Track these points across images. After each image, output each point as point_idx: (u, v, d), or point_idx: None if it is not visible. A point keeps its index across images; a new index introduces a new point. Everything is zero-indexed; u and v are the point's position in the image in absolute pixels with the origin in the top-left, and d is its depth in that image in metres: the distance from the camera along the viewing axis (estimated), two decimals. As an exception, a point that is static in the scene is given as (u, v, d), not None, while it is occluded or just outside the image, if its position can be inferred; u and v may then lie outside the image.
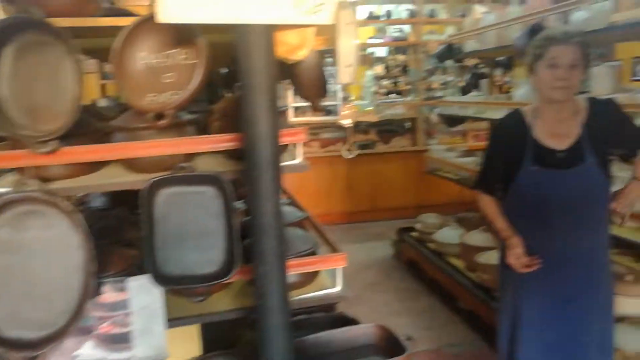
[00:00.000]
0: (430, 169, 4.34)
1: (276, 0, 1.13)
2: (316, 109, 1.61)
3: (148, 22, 1.29)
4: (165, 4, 1.09)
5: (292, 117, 5.80)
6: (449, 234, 3.70)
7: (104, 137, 1.49)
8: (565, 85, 1.73)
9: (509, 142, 1.88)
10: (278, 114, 1.23)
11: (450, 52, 4.06)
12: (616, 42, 5.92)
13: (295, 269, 1.57)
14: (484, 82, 4.14)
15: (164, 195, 1.43)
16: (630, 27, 2.59)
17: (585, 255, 1.84)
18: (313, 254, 1.70)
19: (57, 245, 1.29)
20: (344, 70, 1.16)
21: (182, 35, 1.37)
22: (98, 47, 1.51)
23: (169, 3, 1.09)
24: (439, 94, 6.44)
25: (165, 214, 1.43)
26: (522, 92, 3.18)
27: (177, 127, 1.50)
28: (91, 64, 4.41)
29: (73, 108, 1.28)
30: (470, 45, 3.88)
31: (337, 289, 1.65)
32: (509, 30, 3.23)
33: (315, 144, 6.07)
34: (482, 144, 5.92)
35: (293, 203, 2.48)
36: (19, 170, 1.37)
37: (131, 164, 1.50)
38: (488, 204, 1.97)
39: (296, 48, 1.22)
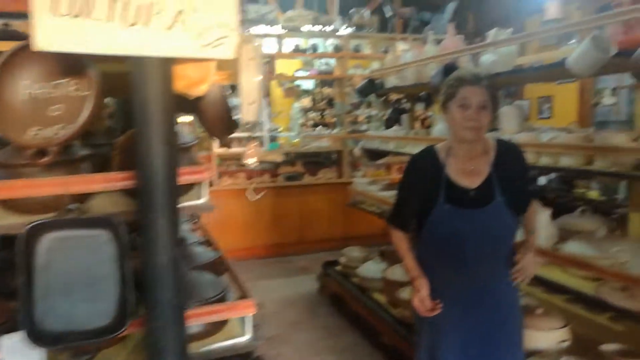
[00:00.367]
0: (354, 201, 4.35)
1: (173, 32, 1.05)
2: (224, 145, 1.52)
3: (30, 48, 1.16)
4: (42, 30, 0.97)
5: (216, 149, 5.67)
6: (372, 269, 3.69)
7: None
8: (475, 126, 1.76)
9: (423, 180, 1.87)
10: (176, 151, 1.13)
11: (372, 87, 4.13)
12: (524, 84, 6.39)
13: (199, 318, 1.45)
14: (405, 117, 4.24)
15: (48, 240, 1.27)
16: (534, 70, 2.76)
17: (498, 293, 1.86)
18: (222, 300, 1.59)
19: None
20: (247, 107, 1.09)
21: (72, 64, 1.25)
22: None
23: (48, 30, 0.98)
24: (363, 127, 6.58)
25: (49, 261, 1.27)
26: (439, 127, 3.28)
27: (68, 164, 1.36)
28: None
29: None
30: (391, 81, 3.98)
31: (246, 337, 1.53)
32: (427, 68, 3.34)
33: (242, 176, 5.94)
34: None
35: (208, 241, 2.34)
36: None
37: (12, 205, 1.34)
38: (400, 241, 1.96)
39: (197, 82, 1.14)
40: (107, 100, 2.02)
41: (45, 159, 1.22)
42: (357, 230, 5.90)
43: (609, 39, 1.98)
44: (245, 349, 1.51)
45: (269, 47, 6.90)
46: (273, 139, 6.21)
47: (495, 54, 2.60)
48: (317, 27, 6.03)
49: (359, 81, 5.44)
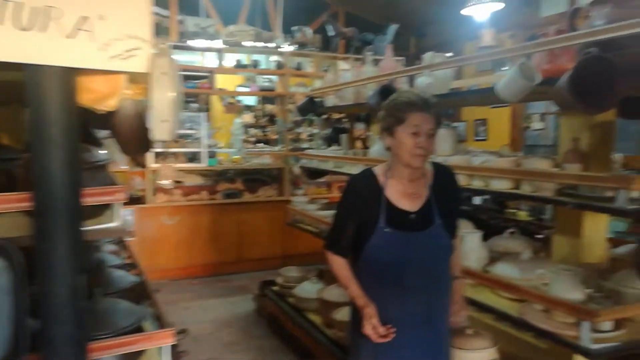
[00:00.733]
0: (292, 220, 4.28)
1: (76, 41, 0.96)
2: (138, 164, 1.41)
3: None
4: None
5: (150, 164, 5.45)
6: (308, 289, 3.62)
7: None
8: (424, 153, 1.75)
9: (362, 203, 1.81)
10: (78, 170, 1.03)
11: (312, 105, 4.11)
12: (460, 107, 6.62)
13: (110, 350, 1.32)
14: (344, 137, 4.24)
15: None
16: (468, 94, 2.83)
17: (436, 317, 1.84)
18: (138, 330, 1.47)
19: None
20: (160, 126, 1.00)
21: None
22: None
23: None
24: (305, 145, 6.57)
25: None
26: (377, 148, 3.29)
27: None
28: None
29: None
30: (331, 100, 3.98)
31: (164, 371, 1.42)
32: (365, 88, 3.36)
33: (178, 192, 5.74)
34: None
35: (132, 263, 2.20)
36: None
37: None
38: (341, 267, 1.88)
39: (105, 96, 1.05)
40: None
41: None
42: (298, 249, 5.83)
43: (535, 67, 2.04)
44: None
45: (210, 61, 6.80)
46: (212, 155, 6.06)
47: (431, 77, 2.64)
48: (260, 44, 5.98)
49: (300, 99, 5.43)
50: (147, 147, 1.35)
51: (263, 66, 6.88)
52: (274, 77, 6.82)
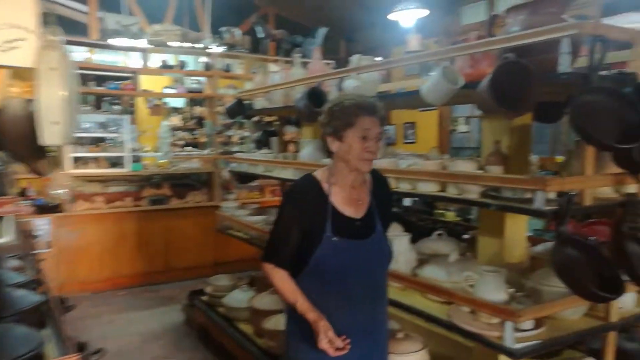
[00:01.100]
0: (222, 227, 4.14)
1: (-56, 29, 0.82)
2: (35, 171, 1.26)
3: None
4: None
5: (69, 169, 5.10)
6: (239, 297, 3.51)
7: None
8: (372, 158, 1.71)
9: (308, 211, 1.72)
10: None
11: (241, 107, 4.00)
12: (388, 110, 6.74)
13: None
14: (274, 140, 4.17)
15: None
16: (395, 96, 2.85)
17: (378, 326, 1.81)
18: (38, 357, 1.31)
19: None
20: (49, 128, 0.88)
21: None
22: None
23: None
24: (236, 148, 6.42)
25: None
26: (306, 151, 3.24)
27: None
28: None
29: None
30: (260, 103, 3.89)
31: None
32: (294, 91, 3.30)
33: (100, 199, 5.41)
34: (277, 199, 6.05)
35: (38, 280, 2.00)
36: None
37: None
38: (284, 280, 1.76)
39: (-17, 95, 0.91)
40: None
41: None
42: (229, 255, 5.68)
43: (458, 71, 2.07)
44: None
45: (134, 61, 6.50)
46: (137, 159, 5.77)
47: (358, 80, 2.63)
48: (187, 44, 5.78)
49: (229, 101, 5.30)
50: (42, 152, 1.19)
51: (191, 67, 6.66)
52: (202, 79, 6.62)
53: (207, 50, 5.91)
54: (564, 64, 1.67)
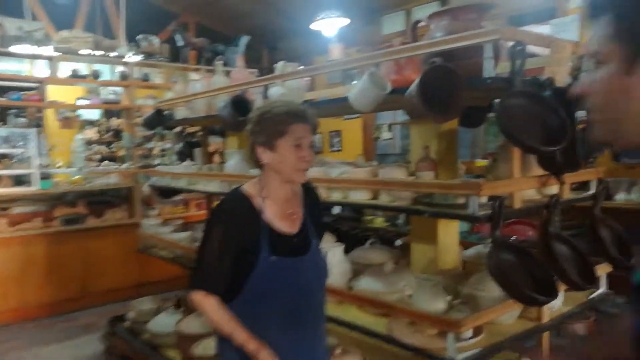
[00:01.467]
0: (143, 246, 3.87)
1: None
2: None
3: None
4: None
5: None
6: (164, 322, 3.27)
7: None
8: (308, 167, 1.61)
9: (240, 231, 1.58)
10: None
11: (160, 118, 3.78)
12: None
13: None
14: (198, 151, 3.97)
15: None
16: (323, 103, 2.78)
17: (320, 347, 1.71)
18: None
19: None
20: None
21: None
22: None
23: None
24: (157, 161, 6.10)
25: None
26: (232, 162, 3.10)
27: None
28: None
29: None
30: (181, 113, 3.69)
31: None
32: (217, 100, 3.15)
33: (3, 222, 4.91)
34: (203, 213, 5.81)
35: None
36: None
37: None
38: (218, 310, 1.59)
39: None
40: None
41: None
42: (154, 275, 5.34)
43: (384, 77, 2.04)
44: None
45: (40, 70, 6.01)
46: (46, 176, 5.30)
47: (284, 87, 2.54)
48: (99, 52, 5.43)
49: (149, 112, 5.02)
50: None
51: (107, 77, 6.27)
52: (119, 89, 6.24)
53: (123, 59, 5.58)
54: (488, 69, 1.68)
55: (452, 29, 1.85)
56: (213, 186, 3.12)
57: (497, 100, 1.69)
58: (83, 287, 5.25)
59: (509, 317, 1.86)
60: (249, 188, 1.65)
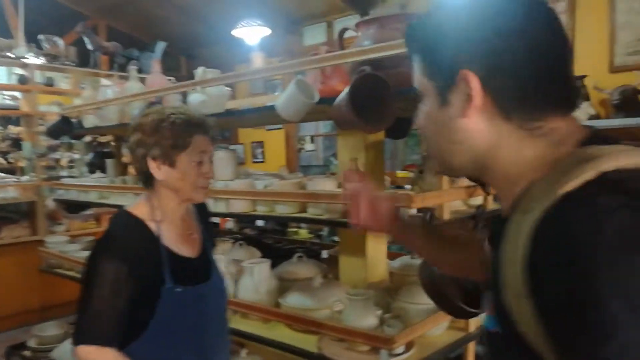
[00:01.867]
0: (46, 265, 3.52)
1: None
2: None
3: None
4: None
5: None
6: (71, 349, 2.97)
7: None
8: (208, 185, 1.46)
9: (137, 263, 1.35)
10: None
11: (67, 126, 3.46)
12: (236, 127, 6.58)
13: None
14: (110, 162, 3.69)
15: None
16: (248, 112, 2.67)
17: None
18: None
19: None
20: None
21: None
22: None
23: None
24: (64, 173, 5.63)
25: None
26: (148, 174, 2.89)
27: None
28: None
29: None
30: (90, 120, 3.40)
31: None
32: (131, 107, 2.94)
33: None
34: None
35: None
36: None
37: None
38: None
39: None
40: None
41: None
42: (60, 297, 4.86)
43: (312, 86, 1.99)
44: None
45: None
46: None
47: (204, 94, 2.40)
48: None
49: (54, 119, 4.62)
50: None
51: (3, 80, 5.71)
52: (18, 94, 5.71)
53: (21, 61, 5.10)
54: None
55: (379, 37, 1.83)
56: (127, 200, 2.89)
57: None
58: (-24, 313, 4.71)
59: (438, 328, 1.86)
60: (139, 211, 1.44)
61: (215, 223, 4.48)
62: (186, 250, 1.47)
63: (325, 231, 4.63)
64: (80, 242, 3.58)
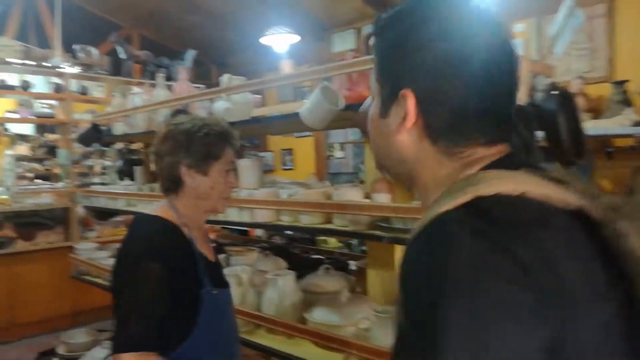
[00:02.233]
0: (76, 272, 3.55)
1: None
2: None
3: None
4: None
5: None
6: (99, 357, 2.96)
7: None
8: (230, 194, 1.51)
9: (179, 268, 1.35)
10: None
11: (97, 134, 3.50)
12: (264, 135, 6.57)
13: None
14: (138, 170, 3.69)
15: None
16: (272, 120, 2.62)
17: None
18: None
19: None
20: None
21: None
22: None
23: None
24: (96, 180, 5.72)
25: None
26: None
27: None
28: None
29: None
30: (120, 128, 3.42)
31: None
32: (158, 114, 2.93)
33: None
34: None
35: None
36: None
37: None
38: None
39: None
40: None
41: None
42: (91, 303, 4.93)
43: (337, 92, 1.91)
44: None
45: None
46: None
47: (229, 102, 2.36)
48: (31, 62, 5.05)
49: (86, 127, 4.69)
50: None
51: (42, 89, 5.85)
52: (55, 102, 5.85)
53: (57, 70, 5.22)
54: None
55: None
56: (154, 208, 2.88)
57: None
58: (10, 318, 4.79)
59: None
60: (168, 215, 1.43)
61: (244, 231, 4.46)
62: (210, 255, 1.52)
63: (355, 241, 4.54)
64: (109, 249, 3.60)
